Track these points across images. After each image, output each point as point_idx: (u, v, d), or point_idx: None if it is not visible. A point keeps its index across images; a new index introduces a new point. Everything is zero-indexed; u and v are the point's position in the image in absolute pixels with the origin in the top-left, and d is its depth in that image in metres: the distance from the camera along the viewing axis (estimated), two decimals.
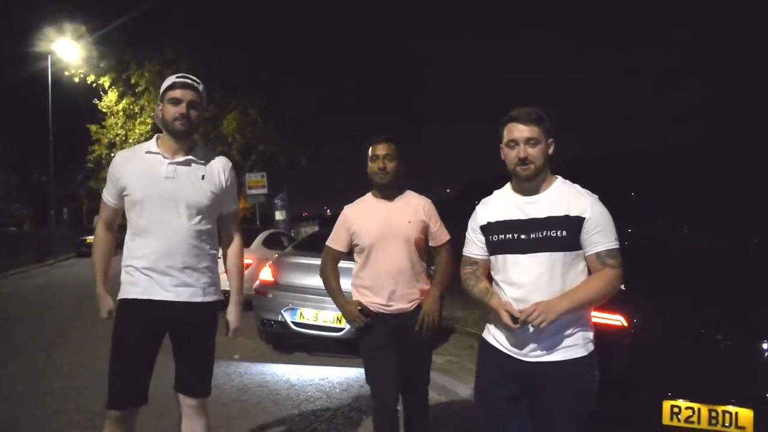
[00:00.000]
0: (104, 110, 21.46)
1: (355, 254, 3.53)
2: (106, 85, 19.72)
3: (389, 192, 3.45)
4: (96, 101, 21.35)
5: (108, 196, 2.96)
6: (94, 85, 20.03)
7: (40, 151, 28.07)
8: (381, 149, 3.38)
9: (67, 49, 21.47)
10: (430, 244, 3.50)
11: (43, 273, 20.79)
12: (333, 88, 19.34)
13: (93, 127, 22.37)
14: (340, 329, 6.46)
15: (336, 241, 3.56)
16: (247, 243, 10.35)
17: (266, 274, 7.28)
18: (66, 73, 20.87)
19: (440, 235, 3.51)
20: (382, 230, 3.36)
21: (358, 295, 3.46)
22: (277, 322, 6.88)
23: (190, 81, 2.91)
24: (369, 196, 3.56)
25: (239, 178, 22.53)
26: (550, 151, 2.53)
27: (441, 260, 3.55)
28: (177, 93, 2.86)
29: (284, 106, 19.45)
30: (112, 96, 20.73)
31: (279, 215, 19.76)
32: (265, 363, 6.56)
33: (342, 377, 5.96)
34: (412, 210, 3.43)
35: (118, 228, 3.09)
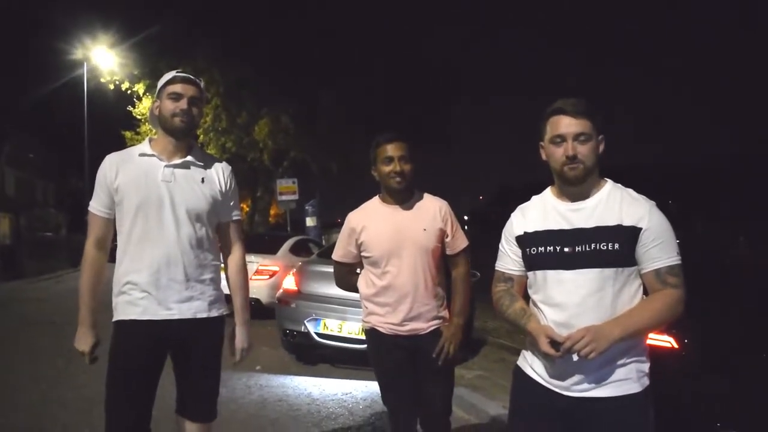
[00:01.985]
0: (139, 117, 21.61)
1: (364, 267, 3.15)
2: (141, 92, 19.88)
3: (402, 196, 3.06)
4: (130, 108, 21.51)
5: (98, 205, 2.65)
6: (129, 92, 20.22)
7: (77, 157, 28.47)
8: (395, 150, 2.97)
9: (102, 57, 21.64)
10: (447, 252, 3.10)
11: (75, 278, 20.75)
12: (363, 93, 19.16)
13: (128, 134, 22.58)
14: (365, 341, 6.16)
15: (344, 254, 3.19)
16: (273, 250, 10.39)
17: (289, 283, 7.04)
18: (101, 80, 21.09)
19: (458, 241, 3.10)
20: (395, 240, 2.97)
21: (367, 314, 3.11)
22: (299, 333, 6.62)
23: (191, 76, 2.67)
24: (376, 200, 3.16)
25: (270, 185, 22.65)
26: (601, 149, 2.17)
27: (459, 275, 3.14)
28: (177, 87, 2.62)
29: (315, 112, 19.34)
30: (146, 103, 20.85)
31: (310, 221, 19.61)
32: (287, 375, 6.31)
33: (366, 392, 5.66)
34: (428, 215, 3.03)
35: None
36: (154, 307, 2.55)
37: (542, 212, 2.25)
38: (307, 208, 20.08)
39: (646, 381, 2.10)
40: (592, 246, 2.07)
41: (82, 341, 2.63)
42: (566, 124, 2.12)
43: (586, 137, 2.10)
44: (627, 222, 2.06)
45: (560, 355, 2.01)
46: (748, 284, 3.82)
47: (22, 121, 32.72)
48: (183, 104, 2.61)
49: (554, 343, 2.03)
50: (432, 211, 3.05)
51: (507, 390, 5.29)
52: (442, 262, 3.11)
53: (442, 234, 3.04)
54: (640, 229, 2.04)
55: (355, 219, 3.14)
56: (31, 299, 13.62)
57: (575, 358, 2.01)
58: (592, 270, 2.06)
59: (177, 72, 2.70)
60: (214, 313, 2.70)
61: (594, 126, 2.12)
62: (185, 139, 2.70)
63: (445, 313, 3.08)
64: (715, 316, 3.37)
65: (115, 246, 2.67)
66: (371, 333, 3.12)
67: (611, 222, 2.07)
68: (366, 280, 3.12)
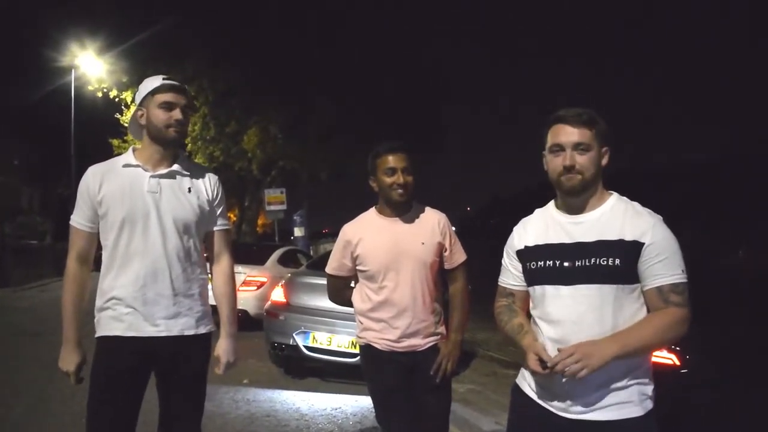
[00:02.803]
0: (126, 124, 21.44)
1: (360, 281, 3.07)
2: (129, 99, 19.73)
3: (401, 209, 2.98)
4: (118, 116, 21.35)
5: (80, 219, 2.56)
6: (117, 99, 20.08)
7: (63, 165, 28.20)
8: (398, 161, 2.89)
9: (90, 64, 21.46)
10: (445, 266, 3.02)
11: (60, 287, 20.45)
12: (354, 102, 19.11)
13: (115, 142, 22.36)
14: (355, 355, 6.09)
15: (338, 267, 3.10)
16: (261, 260, 10.30)
17: (278, 295, 6.95)
18: (89, 87, 20.94)
19: (456, 255, 3.03)
20: (392, 254, 2.89)
21: (362, 330, 3.03)
22: (288, 346, 6.51)
23: (179, 84, 2.59)
24: (372, 212, 3.07)
25: (258, 194, 22.51)
26: (604, 161, 2.11)
27: (457, 290, 3.07)
28: (169, 96, 2.53)
29: (305, 121, 19.27)
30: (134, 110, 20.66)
31: (298, 232, 19.55)
32: (275, 389, 6.20)
33: (356, 407, 5.58)
34: (427, 229, 2.96)
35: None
36: (140, 323, 2.47)
37: (544, 225, 2.20)
38: (294, 218, 20.01)
39: (648, 404, 2.02)
40: (592, 261, 2.01)
41: (67, 360, 2.53)
42: (565, 133, 2.07)
43: (585, 147, 2.05)
44: (629, 237, 1.99)
45: (546, 372, 1.95)
46: (754, 296, 3.78)
47: (8, 127, 32.43)
48: (177, 114, 2.53)
49: (542, 361, 1.97)
50: (431, 224, 2.98)
51: (499, 405, 5.30)
52: (440, 276, 3.04)
53: (441, 248, 2.97)
54: (643, 244, 1.98)
55: (351, 231, 3.06)
56: (15, 308, 13.43)
57: (563, 378, 1.93)
58: (591, 286, 2.01)
59: (164, 79, 2.60)
60: (202, 330, 2.61)
61: (596, 136, 2.07)
62: (172, 148, 2.63)
63: (442, 329, 3.01)
64: (719, 330, 3.33)
65: (99, 255, 2.59)
66: (366, 349, 3.04)
67: (612, 236, 2.01)
68: (361, 295, 3.04)
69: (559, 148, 2.08)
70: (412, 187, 2.92)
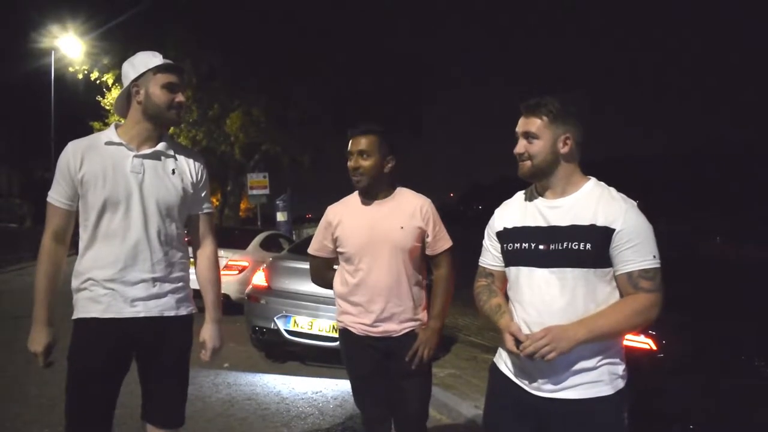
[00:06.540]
0: (107, 107, 21.15)
1: (340, 264, 3.05)
2: (110, 81, 19.47)
3: (376, 192, 2.93)
4: (99, 98, 21.06)
5: (58, 196, 2.46)
6: (98, 81, 19.80)
7: (43, 147, 27.82)
8: (354, 144, 2.87)
9: (70, 46, 21.12)
10: (427, 252, 2.96)
11: None
12: (335, 89, 19.02)
13: (96, 124, 22.05)
14: (336, 339, 6.08)
15: (320, 248, 3.09)
16: (243, 244, 10.25)
17: (259, 279, 6.92)
18: (69, 69, 20.62)
19: (439, 241, 2.95)
20: (370, 237, 2.85)
21: (340, 313, 3.01)
22: (269, 330, 6.50)
23: (179, 65, 2.55)
24: (356, 195, 3.03)
25: (241, 179, 22.38)
26: (564, 149, 2.12)
27: (440, 276, 2.98)
28: (173, 78, 2.49)
29: (287, 105, 19.14)
30: (115, 93, 20.42)
31: (281, 216, 19.49)
32: (255, 373, 6.20)
33: (337, 391, 5.59)
34: (406, 213, 2.90)
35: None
36: (119, 305, 2.40)
37: (523, 208, 2.23)
38: (277, 203, 19.94)
39: (619, 383, 2.07)
40: (565, 245, 2.05)
41: (35, 341, 2.46)
42: (519, 123, 2.19)
43: (533, 136, 2.13)
44: (600, 222, 2.03)
45: (521, 353, 1.98)
46: (729, 282, 3.82)
47: None
48: (181, 97, 2.51)
49: (518, 341, 2.00)
50: (411, 208, 2.92)
51: (479, 389, 5.32)
52: (423, 262, 2.99)
53: (422, 233, 2.91)
54: (613, 230, 2.01)
55: (332, 212, 3.04)
56: None
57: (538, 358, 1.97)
58: (564, 269, 2.04)
59: (164, 58, 2.52)
60: (183, 312, 2.57)
61: (547, 124, 2.12)
62: (161, 128, 2.56)
63: (422, 315, 2.96)
64: (694, 315, 3.35)
65: (75, 240, 2.52)
66: (344, 333, 3.02)
67: (585, 221, 2.05)
68: (341, 278, 3.01)
69: (516, 136, 2.20)
70: (370, 171, 2.86)
